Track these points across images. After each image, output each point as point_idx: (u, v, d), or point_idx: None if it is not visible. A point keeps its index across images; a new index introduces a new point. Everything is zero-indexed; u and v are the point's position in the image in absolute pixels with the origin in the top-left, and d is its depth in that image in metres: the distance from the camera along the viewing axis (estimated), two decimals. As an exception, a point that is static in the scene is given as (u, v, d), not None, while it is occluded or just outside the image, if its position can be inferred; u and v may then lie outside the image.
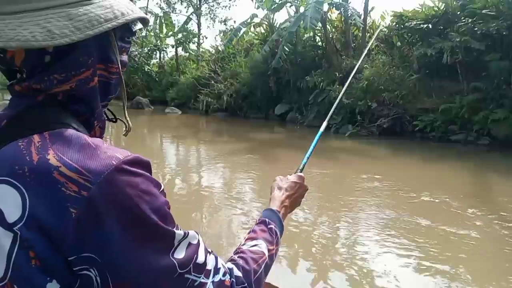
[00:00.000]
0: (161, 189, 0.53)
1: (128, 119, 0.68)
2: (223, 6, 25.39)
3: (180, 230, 0.53)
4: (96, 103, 0.58)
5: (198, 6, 24.81)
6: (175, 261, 0.50)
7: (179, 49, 22.89)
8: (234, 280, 0.59)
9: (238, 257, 0.67)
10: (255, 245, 0.71)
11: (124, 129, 0.70)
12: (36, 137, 0.49)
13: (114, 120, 0.69)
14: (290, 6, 14.16)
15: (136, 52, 22.32)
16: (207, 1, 25.18)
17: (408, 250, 3.06)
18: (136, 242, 0.47)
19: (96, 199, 0.45)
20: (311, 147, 1.10)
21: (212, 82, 16.29)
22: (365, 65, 11.06)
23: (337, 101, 1.24)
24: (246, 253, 0.68)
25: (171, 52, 24.61)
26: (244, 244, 0.72)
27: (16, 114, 0.53)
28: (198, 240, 0.56)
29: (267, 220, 0.80)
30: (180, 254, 0.51)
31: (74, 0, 0.53)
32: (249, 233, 0.77)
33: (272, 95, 14.14)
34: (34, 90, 0.53)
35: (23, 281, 0.45)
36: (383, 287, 2.51)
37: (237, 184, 5.24)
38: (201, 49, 22.75)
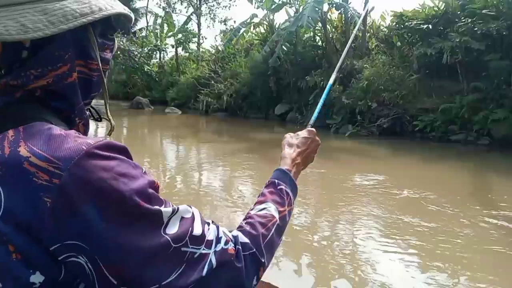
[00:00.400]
0: (143, 171, 0.52)
1: (110, 118, 0.67)
2: (223, 6, 25.43)
3: (169, 207, 0.52)
4: (76, 99, 0.57)
5: (198, 6, 24.82)
6: (168, 237, 0.50)
7: (179, 49, 22.92)
8: (240, 248, 0.58)
9: (245, 223, 0.65)
10: (263, 209, 0.69)
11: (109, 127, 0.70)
12: (10, 132, 0.49)
13: (98, 119, 0.69)
14: (290, 7, 14.18)
15: (136, 52, 22.33)
16: (207, 1, 25.20)
17: (408, 250, 3.05)
18: (119, 225, 0.47)
19: (68, 186, 0.45)
20: (321, 101, 1.07)
21: (212, 82, 16.31)
22: (365, 65, 11.07)
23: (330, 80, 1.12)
24: (254, 218, 0.66)
25: (171, 52, 24.65)
26: (252, 209, 0.70)
27: None
28: (193, 213, 0.56)
29: (276, 181, 0.77)
30: (172, 229, 0.51)
31: None
32: (258, 197, 0.75)
33: (272, 95, 14.15)
34: (12, 86, 0.52)
35: (6, 275, 0.45)
36: (383, 286, 2.51)
37: (237, 183, 5.24)
38: (201, 49, 22.77)
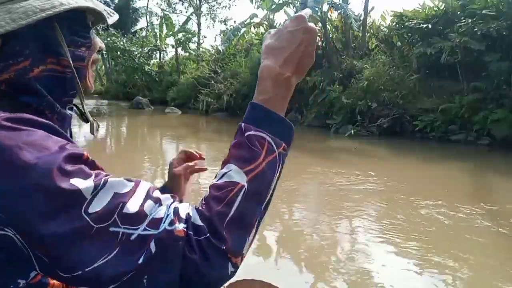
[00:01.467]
0: (65, 144, 0.48)
1: (89, 116, 0.67)
2: (223, 6, 25.46)
3: (96, 179, 0.46)
4: (41, 94, 0.57)
5: (198, 6, 24.83)
6: (87, 217, 0.43)
7: (179, 49, 22.94)
8: (191, 233, 0.47)
9: (203, 198, 0.53)
10: (223, 175, 0.53)
11: (90, 126, 0.69)
12: None
13: (85, 120, 0.68)
14: (293, 7, 14.16)
15: (136, 52, 22.34)
16: (207, 1, 25.22)
17: (408, 250, 3.05)
18: (27, 198, 0.43)
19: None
20: None
21: (212, 82, 16.32)
22: (365, 65, 11.06)
23: None
24: (210, 192, 0.52)
25: (171, 52, 24.66)
26: (215, 177, 0.55)
27: None
28: (133, 187, 0.48)
29: (243, 125, 0.56)
30: (96, 207, 0.44)
31: None
32: None
33: (272, 95, 14.15)
34: None
35: None
36: (383, 286, 2.51)
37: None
38: (201, 49, 22.78)
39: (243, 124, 0.56)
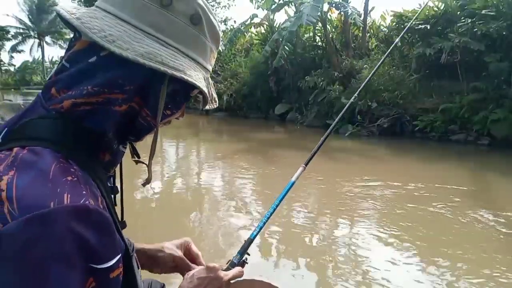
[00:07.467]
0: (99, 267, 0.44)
1: (150, 170, 0.64)
2: (223, 6, 25.44)
3: None
4: (109, 127, 0.55)
5: (198, 5, 24.84)
6: None
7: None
8: None
9: None
10: None
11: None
12: (14, 151, 0.47)
13: (135, 159, 0.68)
14: (293, 5, 14.15)
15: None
16: (207, 0, 25.21)
17: (408, 250, 3.06)
18: None
19: (6, 239, 0.38)
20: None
21: (212, 82, 16.32)
22: (365, 65, 11.07)
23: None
24: None
25: (171, 52, 24.62)
26: None
27: (22, 122, 0.51)
28: None
29: None
30: None
31: (152, 33, 0.53)
32: None
33: (272, 95, 14.15)
34: (62, 93, 0.52)
35: None
36: (383, 286, 2.52)
37: (237, 183, 5.24)
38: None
39: None
